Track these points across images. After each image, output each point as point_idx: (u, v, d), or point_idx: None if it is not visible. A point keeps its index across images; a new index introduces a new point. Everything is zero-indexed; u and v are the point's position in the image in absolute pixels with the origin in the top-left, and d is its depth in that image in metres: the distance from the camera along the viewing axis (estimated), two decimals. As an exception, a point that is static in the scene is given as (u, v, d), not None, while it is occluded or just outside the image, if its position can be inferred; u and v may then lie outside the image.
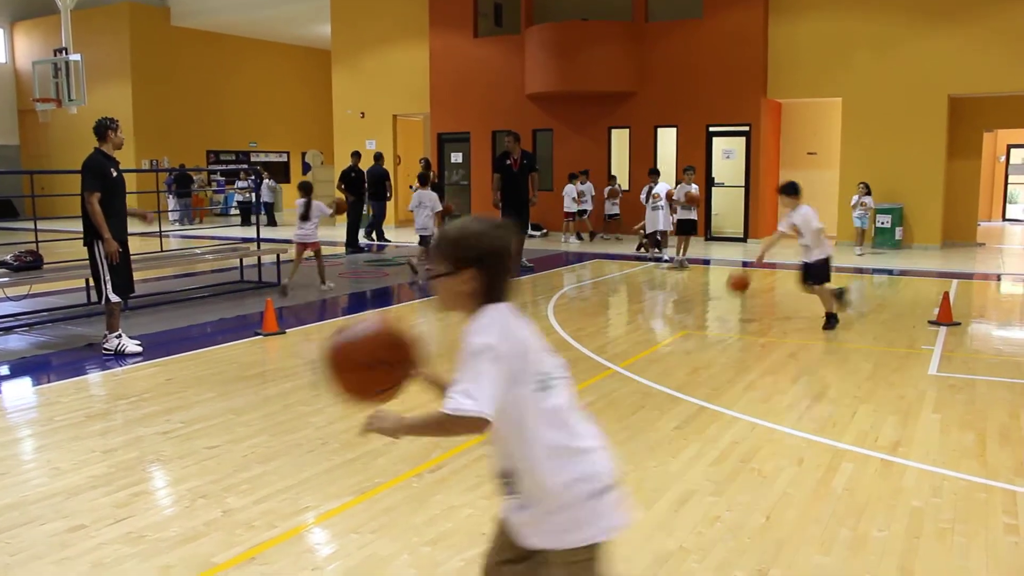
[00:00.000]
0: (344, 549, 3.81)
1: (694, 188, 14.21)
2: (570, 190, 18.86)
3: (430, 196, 13.09)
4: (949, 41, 16.38)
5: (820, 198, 19.02)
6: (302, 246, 11.58)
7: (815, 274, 8.87)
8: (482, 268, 2.29)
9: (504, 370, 2.19)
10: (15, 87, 30.58)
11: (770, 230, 19.10)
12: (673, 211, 14.52)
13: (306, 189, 11.82)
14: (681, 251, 14.30)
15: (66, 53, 18.76)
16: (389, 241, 19.07)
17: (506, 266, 2.34)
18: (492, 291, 2.31)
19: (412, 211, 13.28)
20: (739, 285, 9.87)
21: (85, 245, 7.79)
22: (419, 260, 12.81)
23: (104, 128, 7.80)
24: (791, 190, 9.05)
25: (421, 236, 13.09)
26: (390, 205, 20.47)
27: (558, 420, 2.27)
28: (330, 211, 12.55)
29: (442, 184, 22.02)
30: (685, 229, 14.40)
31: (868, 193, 16.27)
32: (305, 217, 11.57)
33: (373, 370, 2.41)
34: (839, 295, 8.95)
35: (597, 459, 2.31)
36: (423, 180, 13.53)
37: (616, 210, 19.12)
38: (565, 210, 18.96)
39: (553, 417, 2.26)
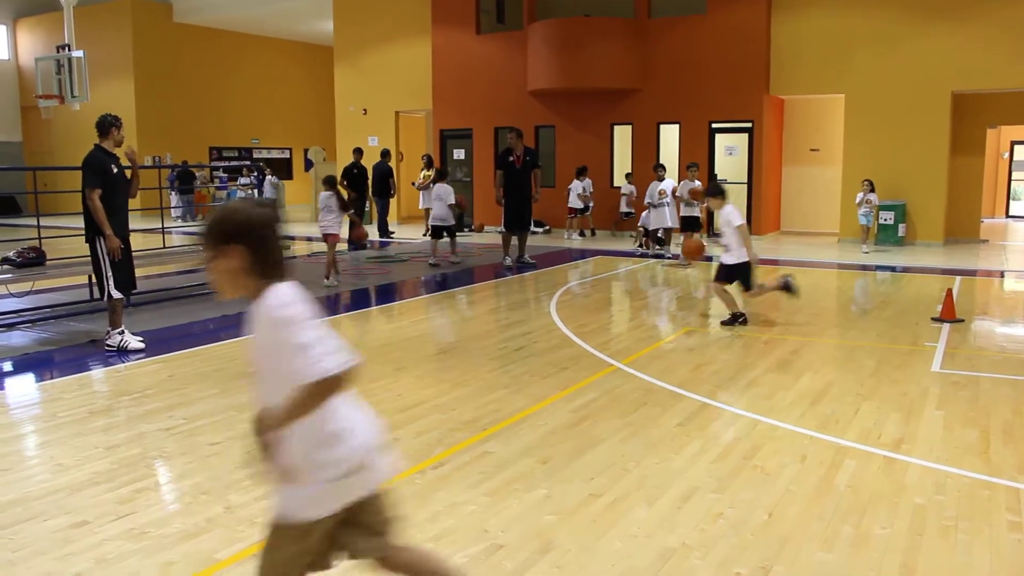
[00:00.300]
0: (346, 546, 3.80)
1: (697, 184, 14.15)
2: (576, 186, 18.81)
3: (447, 189, 14.10)
4: (952, 37, 16.35)
5: (823, 194, 19.09)
6: (334, 237, 11.93)
7: (727, 275, 8.86)
8: (247, 243, 2.33)
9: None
10: (18, 84, 30.62)
11: (773, 226, 19.11)
12: (678, 207, 14.52)
13: (331, 183, 12.24)
14: None
15: (69, 50, 18.76)
16: (392, 236, 19.08)
17: (273, 241, 2.38)
18: (264, 267, 2.35)
19: (422, 208, 14.05)
20: (692, 252, 11.22)
21: (87, 242, 7.80)
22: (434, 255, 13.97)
23: (108, 125, 7.80)
24: (715, 192, 9.12)
25: (435, 227, 14.09)
26: (393, 201, 20.47)
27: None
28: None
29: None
30: (689, 225, 14.37)
31: (872, 190, 16.05)
32: (333, 209, 11.98)
33: None
34: (786, 286, 8.93)
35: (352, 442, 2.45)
36: (442, 175, 14.58)
37: (632, 208, 18.74)
38: (569, 206, 18.91)
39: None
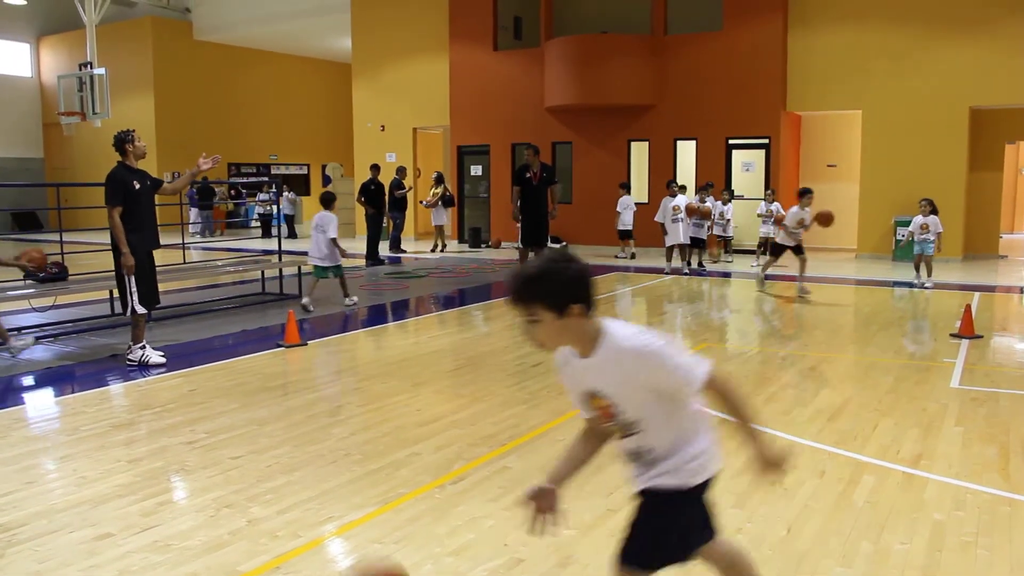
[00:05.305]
0: (367, 559, 3.83)
1: (709, 203, 14.79)
2: (628, 201, 18.21)
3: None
4: (969, 53, 16.33)
5: (840, 210, 18.96)
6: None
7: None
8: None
9: None
10: (40, 101, 30.97)
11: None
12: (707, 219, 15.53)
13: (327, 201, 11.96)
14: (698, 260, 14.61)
15: (91, 67, 19.02)
16: (406, 252, 19.18)
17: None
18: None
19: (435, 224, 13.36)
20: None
21: (115, 257, 7.86)
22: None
23: (121, 142, 7.86)
24: (326, 200, 11.23)
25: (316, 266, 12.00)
26: (409, 216, 20.58)
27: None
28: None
29: (462, 197, 22.16)
30: (695, 245, 15.47)
31: (934, 211, 13.47)
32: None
33: None
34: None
35: None
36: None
37: (702, 233, 15.85)
38: (621, 228, 18.23)
39: None
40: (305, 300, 11.09)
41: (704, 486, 2.69)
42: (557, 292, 2.38)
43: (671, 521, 2.70)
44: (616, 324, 2.49)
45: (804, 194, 12.57)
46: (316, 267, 11.30)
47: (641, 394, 2.52)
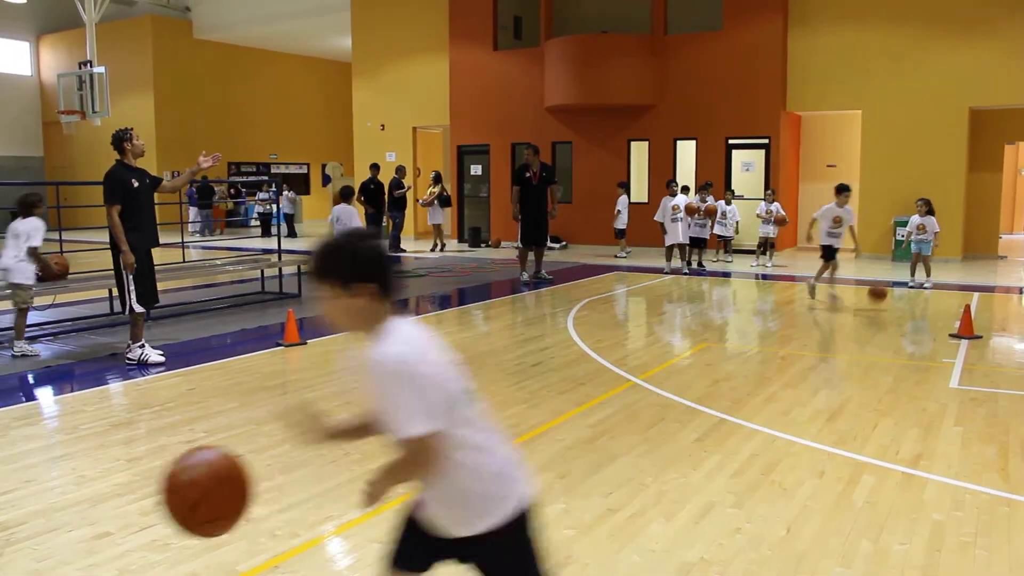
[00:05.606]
0: (366, 558, 3.83)
1: (710, 202, 14.67)
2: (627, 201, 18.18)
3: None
4: (970, 53, 16.33)
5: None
6: None
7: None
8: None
9: None
10: (40, 99, 30.95)
11: (790, 242, 19.08)
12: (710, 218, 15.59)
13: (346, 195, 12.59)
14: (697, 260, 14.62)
15: (90, 66, 19.01)
16: (405, 251, 19.18)
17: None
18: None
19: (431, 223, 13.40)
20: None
21: (112, 256, 7.86)
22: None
23: (119, 140, 7.87)
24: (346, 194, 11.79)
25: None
26: (409, 216, 20.58)
27: None
28: None
29: (462, 197, 22.16)
30: (697, 244, 15.43)
31: (930, 211, 13.31)
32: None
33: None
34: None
35: None
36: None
37: (704, 233, 15.96)
38: (618, 227, 18.13)
39: None
40: None
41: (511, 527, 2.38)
42: (348, 268, 2.24)
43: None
44: (400, 327, 2.26)
45: (842, 191, 11.65)
46: None
47: (381, 409, 2.29)
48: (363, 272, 2.24)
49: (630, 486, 4.71)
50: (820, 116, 19.24)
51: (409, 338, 2.25)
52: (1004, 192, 18.91)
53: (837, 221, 11.56)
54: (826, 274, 11.72)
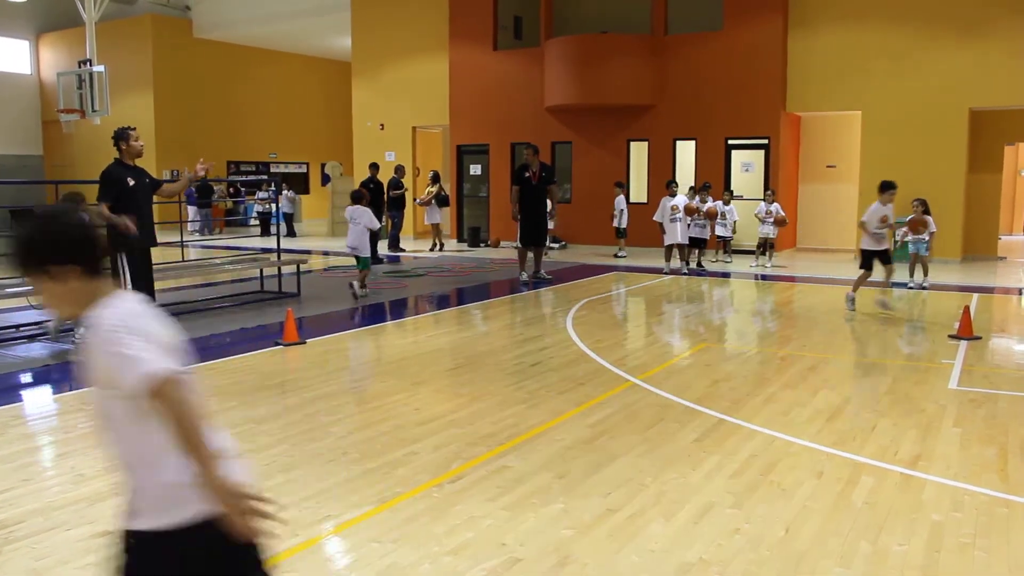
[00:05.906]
0: (365, 558, 3.83)
1: (710, 203, 14.65)
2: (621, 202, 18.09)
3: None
4: (969, 54, 16.33)
5: (840, 211, 19.02)
6: None
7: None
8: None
9: None
10: (39, 98, 30.93)
11: (789, 243, 19.09)
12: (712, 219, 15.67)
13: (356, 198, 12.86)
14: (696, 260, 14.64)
15: (90, 65, 18.99)
16: (405, 251, 19.18)
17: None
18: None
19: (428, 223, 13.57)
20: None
21: (108, 254, 7.85)
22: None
23: (117, 139, 7.90)
24: (356, 197, 12.00)
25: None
26: (408, 215, 20.58)
27: None
28: None
29: (461, 196, 22.16)
30: (696, 245, 15.42)
31: (927, 211, 13.07)
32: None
33: None
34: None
35: None
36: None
37: (705, 233, 16.02)
38: (619, 226, 18.03)
39: None
40: (354, 285, 12.08)
41: (201, 528, 2.11)
42: (45, 255, 2.12)
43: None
44: (121, 298, 2.15)
45: (886, 188, 10.81)
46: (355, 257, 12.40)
47: (103, 385, 2.12)
48: (61, 256, 2.12)
49: (629, 486, 4.71)
50: (820, 116, 19.25)
51: (131, 305, 2.15)
52: (1004, 193, 18.92)
53: (884, 221, 10.71)
54: (874, 278, 11.01)
